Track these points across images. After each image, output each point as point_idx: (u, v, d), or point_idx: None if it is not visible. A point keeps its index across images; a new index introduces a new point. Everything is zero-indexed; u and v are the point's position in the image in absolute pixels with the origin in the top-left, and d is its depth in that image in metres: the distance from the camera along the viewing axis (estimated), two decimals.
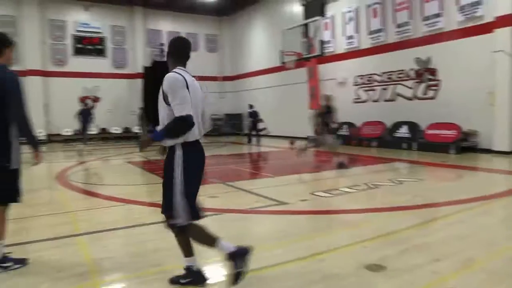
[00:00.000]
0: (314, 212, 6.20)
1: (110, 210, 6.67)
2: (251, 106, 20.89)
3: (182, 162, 3.29)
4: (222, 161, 13.94)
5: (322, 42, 16.21)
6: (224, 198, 7.19)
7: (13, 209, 6.51)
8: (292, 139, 18.41)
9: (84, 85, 24.38)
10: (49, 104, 23.39)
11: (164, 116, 3.31)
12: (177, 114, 3.16)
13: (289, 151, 15.97)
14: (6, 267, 3.92)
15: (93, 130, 21.59)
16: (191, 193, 3.38)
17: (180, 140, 3.28)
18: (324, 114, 10.72)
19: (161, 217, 5.99)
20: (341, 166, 10.48)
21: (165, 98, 3.27)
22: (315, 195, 7.21)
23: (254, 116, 20.35)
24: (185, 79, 3.34)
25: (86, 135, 16.78)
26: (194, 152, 3.39)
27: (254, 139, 20.11)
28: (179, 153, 3.30)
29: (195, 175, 3.42)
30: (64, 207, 6.81)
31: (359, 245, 4.42)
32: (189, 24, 27.73)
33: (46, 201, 7.76)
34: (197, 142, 3.43)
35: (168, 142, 3.33)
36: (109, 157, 15.46)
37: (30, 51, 23.00)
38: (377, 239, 4.62)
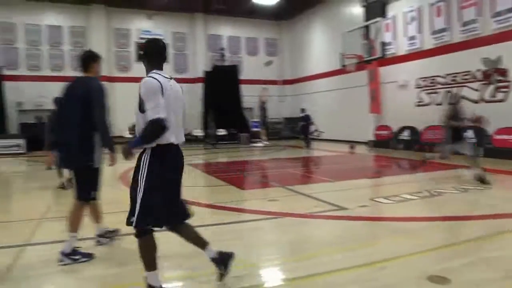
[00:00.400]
0: (374, 218, 6.09)
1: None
2: (303, 110, 20.90)
3: (148, 165, 3.26)
4: (281, 165, 13.99)
5: (383, 44, 15.93)
6: (283, 202, 7.23)
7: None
8: (352, 143, 18.18)
9: None
10: (112, 108, 24.39)
11: (140, 124, 3.28)
12: (150, 118, 3.13)
13: (349, 155, 15.78)
14: (75, 259, 4.25)
15: None
16: (156, 198, 3.29)
17: (153, 144, 3.24)
18: (454, 116, 8.76)
19: (219, 219, 6.18)
20: (480, 179, 8.55)
21: (141, 105, 3.25)
22: (375, 201, 7.10)
23: (306, 120, 20.36)
24: (160, 83, 3.24)
25: None
26: (164, 157, 3.30)
27: (306, 143, 20.14)
28: (147, 156, 3.27)
29: (164, 180, 3.32)
30: (126, 206, 7.09)
31: (420, 255, 4.29)
32: (249, 29, 28.08)
33: (109, 200, 8.12)
34: (171, 146, 3.33)
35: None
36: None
37: None
38: (440, 249, 4.45)
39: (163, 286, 3.42)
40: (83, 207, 4.50)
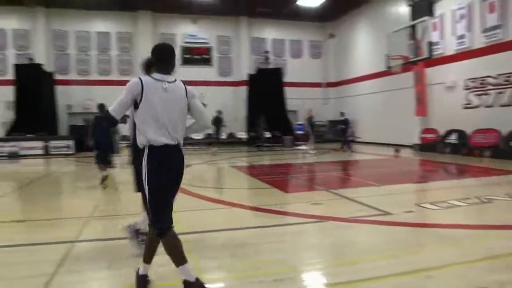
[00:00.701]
0: (419, 224, 5.94)
1: (214, 212, 6.98)
2: (342, 114, 21.04)
3: (147, 167, 3.38)
4: (325, 168, 13.92)
5: (430, 44, 15.49)
6: (327, 206, 7.18)
7: (122, 206, 7.08)
8: (397, 147, 17.82)
9: None
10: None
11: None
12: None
13: (394, 159, 15.49)
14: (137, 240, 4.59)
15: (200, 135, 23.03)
16: (154, 197, 3.41)
17: (146, 143, 3.39)
18: None
19: (262, 221, 6.23)
20: None
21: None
22: (421, 206, 6.94)
23: (346, 123, 20.51)
24: (142, 83, 3.36)
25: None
26: (160, 157, 3.38)
27: (346, 146, 20.21)
28: (145, 158, 3.40)
29: (158, 180, 3.39)
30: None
31: (468, 265, 4.14)
32: (293, 31, 28.06)
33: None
34: (165, 147, 3.40)
35: (140, 145, 3.46)
36: (215, 161, 16.15)
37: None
38: (490, 260, 4.27)
39: (197, 277, 3.49)
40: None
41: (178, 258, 3.45)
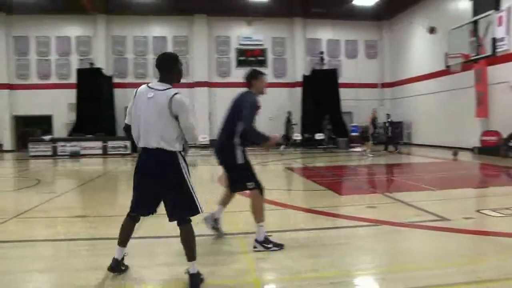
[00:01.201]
0: (480, 232, 5.70)
1: (268, 213, 7.01)
2: (388, 116, 20.84)
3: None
4: (380, 171, 13.69)
5: (495, 40, 14.75)
6: (382, 209, 7.09)
7: None
8: (455, 150, 17.18)
9: None
10: (212, 113, 25.57)
11: None
12: None
13: (452, 162, 14.96)
14: (267, 248, 4.78)
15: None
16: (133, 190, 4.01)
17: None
18: None
19: (316, 223, 6.23)
20: None
21: None
22: (482, 213, 6.67)
23: (392, 126, 20.53)
24: (136, 92, 3.88)
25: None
26: (137, 158, 3.94)
27: (393, 147, 19.91)
28: None
29: (134, 179, 3.97)
30: (225, 207, 7.40)
31: None
32: (348, 31, 27.72)
33: (211, 199, 8.54)
34: (142, 149, 3.82)
35: None
36: (269, 163, 16.25)
37: (198, 66, 25.79)
38: None
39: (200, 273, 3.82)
40: (259, 195, 4.98)
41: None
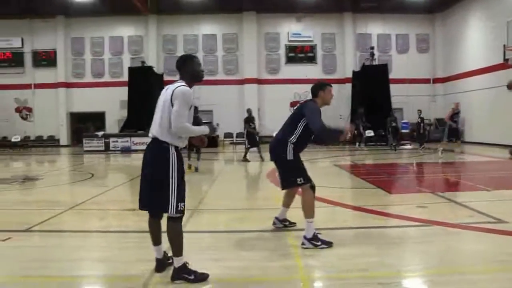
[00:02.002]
0: None
1: (316, 210, 6.90)
2: (420, 112, 20.26)
3: None
4: (431, 169, 13.31)
5: None
6: (433, 209, 6.85)
7: (228, 201, 7.30)
8: None
9: (295, 91, 25.96)
10: (261, 109, 25.66)
11: None
12: None
13: (508, 162, 14.28)
14: (316, 245, 4.77)
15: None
16: None
17: None
18: None
19: (365, 222, 6.11)
20: None
21: None
22: None
23: (423, 122, 20.13)
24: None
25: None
26: None
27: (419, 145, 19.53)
28: None
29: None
30: (274, 204, 7.41)
31: None
32: (399, 25, 27.06)
33: (261, 196, 8.61)
34: None
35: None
36: (317, 159, 16.12)
37: (248, 62, 25.90)
38: None
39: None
40: (309, 191, 5.04)
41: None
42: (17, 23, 26.21)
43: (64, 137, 26.76)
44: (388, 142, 20.95)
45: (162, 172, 3.75)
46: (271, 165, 11.87)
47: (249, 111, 16.03)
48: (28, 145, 25.45)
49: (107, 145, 22.15)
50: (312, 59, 26.54)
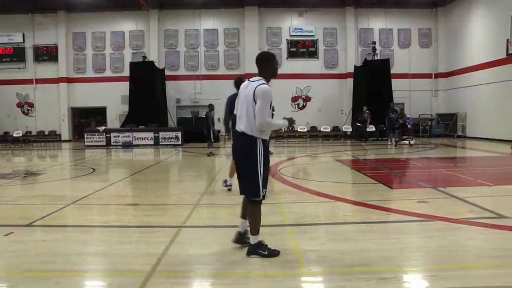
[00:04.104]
0: None
1: (317, 205, 6.99)
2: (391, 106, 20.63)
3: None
4: (432, 165, 13.28)
5: None
6: (434, 204, 6.86)
7: (228, 196, 7.33)
8: None
9: (297, 86, 25.95)
10: None
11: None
12: None
13: (509, 157, 14.25)
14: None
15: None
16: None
17: None
18: None
19: (366, 217, 6.11)
20: None
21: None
22: None
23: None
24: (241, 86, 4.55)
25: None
26: None
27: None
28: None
29: None
30: (275, 198, 7.41)
31: None
32: (401, 19, 26.93)
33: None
34: (237, 133, 4.45)
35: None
36: (318, 154, 16.11)
37: (249, 58, 25.69)
38: None
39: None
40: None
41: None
42: (19, 18, 26.22)
43: (65, 132, 26.80)
44: (389, 138, 20.86)
45: (251, 163, 4.25)
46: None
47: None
48: (29, 140, 25.46)
49: (108, 140, 22.16)
50: (313, 54, 26.47)
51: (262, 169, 4.25)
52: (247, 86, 4.32)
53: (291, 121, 4.56)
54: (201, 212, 6.72)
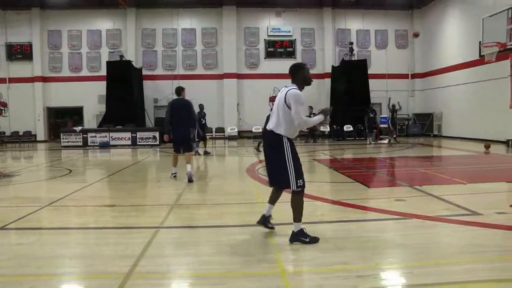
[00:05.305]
0: None
1: (289, 204, 7.01)
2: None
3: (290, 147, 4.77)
4: (409, 163, 13.47)
5: None
6: (411, 203, 6.96)
7: (205, 196, 7.32)
8: (488, 142, 16.71)
9: (275, 86, 25.98)
10: (241, 104, 25.68)
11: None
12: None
13: (484, 156, 14.56)
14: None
15: None
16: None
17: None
18: None
19: (343, 216, 6.16)
20: None
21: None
22: None
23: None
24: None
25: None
26: None
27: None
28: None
29: None
30: (253, 198, 7.43)
31: None
32: (378, 21, 27.26)
33: (238, 191, 8.62)
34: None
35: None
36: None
37: (227, 57, 25.89)
38: None
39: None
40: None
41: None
42: None
43: (41, 133, 26.29)
44: (367, 136, 21.07)
45: (279, 157, 4.72)
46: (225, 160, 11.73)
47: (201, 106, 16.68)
48: (3, 140, 24.90)
49: (85, 140, 21.84)
50: (291, 54, 26.56)
51: (292, 163, 4.68)
52: (281, 91, 4.84)
53: (326, 112, 5.01)
54: (178, 212, 6.68)
